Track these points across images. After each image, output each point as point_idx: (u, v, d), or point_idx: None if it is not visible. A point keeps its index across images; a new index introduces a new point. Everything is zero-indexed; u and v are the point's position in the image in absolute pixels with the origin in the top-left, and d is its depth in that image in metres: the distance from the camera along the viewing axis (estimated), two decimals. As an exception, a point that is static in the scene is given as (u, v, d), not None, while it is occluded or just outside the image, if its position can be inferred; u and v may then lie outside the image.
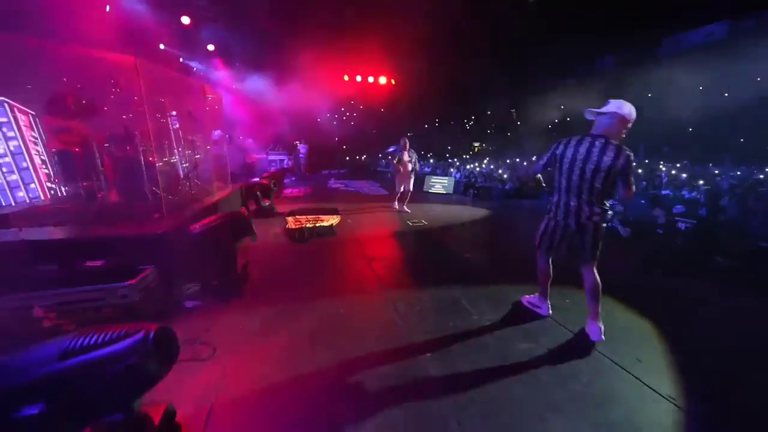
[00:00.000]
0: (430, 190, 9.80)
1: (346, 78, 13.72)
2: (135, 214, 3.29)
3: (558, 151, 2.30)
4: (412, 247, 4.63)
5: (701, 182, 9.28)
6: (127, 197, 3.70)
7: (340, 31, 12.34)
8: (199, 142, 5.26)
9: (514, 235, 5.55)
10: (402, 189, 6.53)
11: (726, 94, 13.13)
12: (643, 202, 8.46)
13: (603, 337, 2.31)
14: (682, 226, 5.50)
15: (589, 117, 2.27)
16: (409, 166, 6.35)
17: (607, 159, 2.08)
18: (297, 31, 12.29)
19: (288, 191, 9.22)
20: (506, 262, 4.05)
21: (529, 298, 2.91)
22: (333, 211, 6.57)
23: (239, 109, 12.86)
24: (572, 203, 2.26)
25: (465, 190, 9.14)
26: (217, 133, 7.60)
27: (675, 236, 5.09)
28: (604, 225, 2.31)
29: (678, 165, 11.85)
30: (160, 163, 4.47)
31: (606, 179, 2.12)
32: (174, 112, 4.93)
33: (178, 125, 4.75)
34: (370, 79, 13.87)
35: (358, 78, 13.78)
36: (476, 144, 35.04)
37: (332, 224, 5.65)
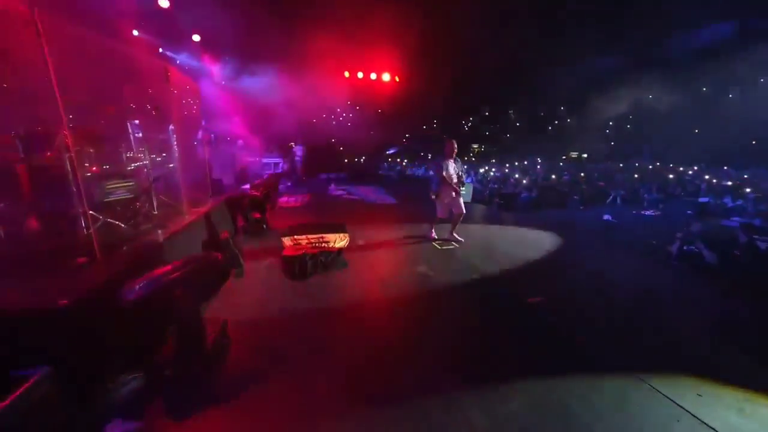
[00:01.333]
0: (444, 198, 8.71)
1: (346, 74, 12.59)
2: (44, 259, 2.10)
3: None
4: (454, 290, 3.44)
5: (748, 190, 8.35)
6: (44, 227, 2.50)
7: (340, 23, 11.20)
8: (171, 145, 4.04)
9: (580, 260, 4.38)
10: (445, 214, 4.79)
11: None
12: (689, 212, 7.54)
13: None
14: (762, 245, 4.48)
15: None
16: (455, 178, 4.61)
17: None
18: (292, 22, 11.12)
19: (284, 200, 8.02)
20: (594, 309, 2.94)
21: None
22: (339, 229, 5.39)
23: (229, 106, 11.63)
24: None
25: (489, 199, 8.08)
26: (199, 133, 6.40)
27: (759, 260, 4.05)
28: None
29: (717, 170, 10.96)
30: (111, 176, 3.27)
31: None
32: (133, 105, 3.74)
33: (137, 122, 3.55)
34: (373, 76, 12.75)
35: (360, 75, 12.67)
36: (475, 146, 34.28)
37: (340, 248, 4.49)
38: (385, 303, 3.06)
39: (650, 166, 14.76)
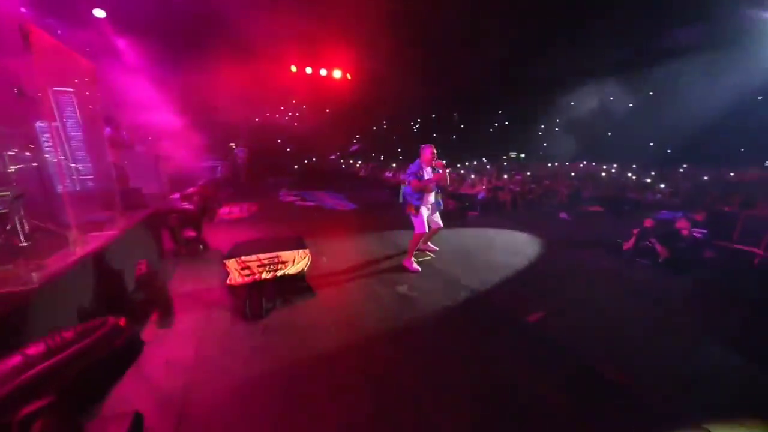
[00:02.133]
0: (407, 203, 8.35)
1: (293, 69, 11.57)
2: None
3: None
4: (446, 313, 2.96)
5: (662, 185, 9.58)
6: None
7: (287, 11, 10.19)
8: (49, 143, 2.87)
9: (558, 263, 4.25)
10: (425, 228, 3.93)
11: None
12: (626, 208, 8.33)
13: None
14: (698, 236, 4.92)
15: None
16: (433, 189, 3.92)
17: None
18: (229, 4, 9.78)
19: (225, 211, 6.86)
20: (598, 321, 2.72)
21: None
22: (297, 244, 4.62)
23: (153, 99, 9.79)
24: None
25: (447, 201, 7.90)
26: (107, 130, 5.01)
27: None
28: None
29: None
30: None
31: None
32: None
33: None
34: (323, 72, 11.93)
35: (308, 70, 11.75)
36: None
37: (302, 269, 3.76)
38: (370, 345, 2.46)
39: (581, 164, 16.44)
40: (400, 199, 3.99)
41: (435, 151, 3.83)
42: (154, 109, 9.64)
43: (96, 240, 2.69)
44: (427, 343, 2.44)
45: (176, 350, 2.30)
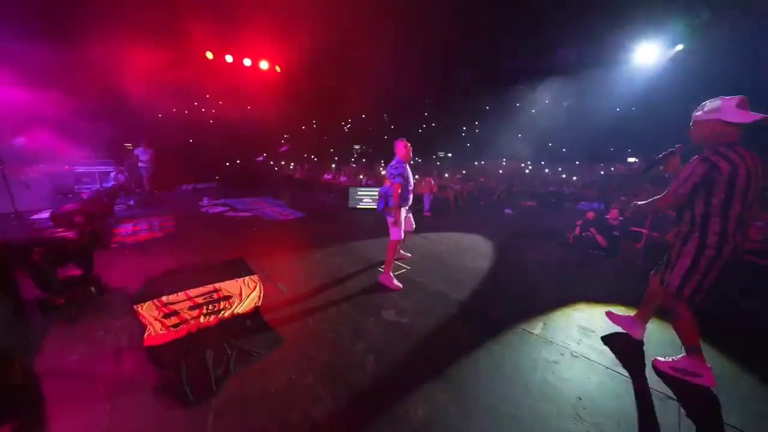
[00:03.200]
0: (357, 206, 7.77)
1: (209, 56, 9.81)
2: None
3: (726, 169, 1.71)
4: (450, 341, 2.56)
5: (575, 178, 11.07)
6: None
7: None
8: None
9: (529, 261, 4.23)
10: (402, 235, 3.47)
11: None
12: (553, 200, 9.29)
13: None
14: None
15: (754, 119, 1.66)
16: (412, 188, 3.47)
17: None
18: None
19: (127, 231, 5.23)
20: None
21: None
22: (241, 270, 3.65)
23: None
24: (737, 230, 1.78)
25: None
26: None
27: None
28: None
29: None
30: None
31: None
32: None
33: None
34: (247, 62, 10.44)
35: (229, 58, 10.13)
36: (356, 146, 34.94)
37: (254, 304, 2.89)
38: (377, 404, 1.86)
39: (503, 162, 18.21)
40: (380, 206, 3.40)
41: (408, 144, 3.40)
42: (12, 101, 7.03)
43: None
44: (445, 385, 1.96)
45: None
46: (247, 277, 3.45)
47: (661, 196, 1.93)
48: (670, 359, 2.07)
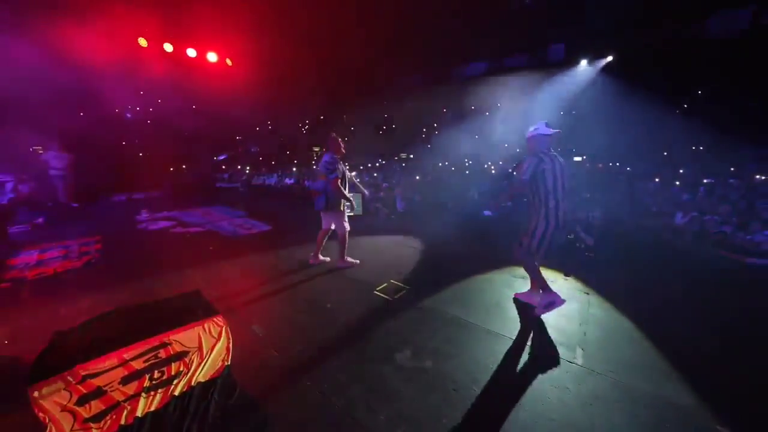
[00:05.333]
0: (330, 214, 7.02)
1: (143, 43, 8.32)
2: None
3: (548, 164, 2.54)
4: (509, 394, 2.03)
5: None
6: None
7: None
8: None
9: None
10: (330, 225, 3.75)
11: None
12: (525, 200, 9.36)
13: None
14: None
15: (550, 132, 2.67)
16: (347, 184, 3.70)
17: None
18: None
19: (30, 259, 3.93)
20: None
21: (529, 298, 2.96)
22: (198, 309, 2.77)
23: None
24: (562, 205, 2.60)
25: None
26: None
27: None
28: None
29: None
30: None
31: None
32: None
33: None
34: (191, 53, 9.10)
35: (168, 47, 8.71)
36: (316, 148, 33.68)
37: (222, 363, 2.09)
38: None
39: (468, 162, 18.50)
40: (320, 204, 3.53)
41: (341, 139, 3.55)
42: None
43: None
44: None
45: None
46: (207, 320, 2.61)
47: (514, 183, 2.76)
48: (526, 291, 3.02)
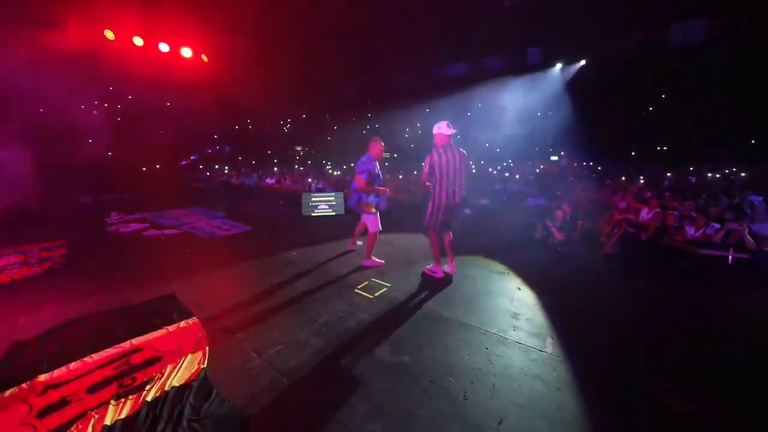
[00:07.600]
0: (312, 213, 6.94)
1: (109, 35, 7.91)
2: None
3: (436, 159, 3.18)
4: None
5: (507, 174, 11.81)
6: None
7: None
8: None
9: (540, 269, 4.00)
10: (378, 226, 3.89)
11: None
12: (505, 198, 9.67)
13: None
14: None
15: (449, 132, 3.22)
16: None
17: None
18: None
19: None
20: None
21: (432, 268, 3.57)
22: (172, 312, 2.68)
23: None
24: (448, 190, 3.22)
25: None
26: None
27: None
28: None
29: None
30: None
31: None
32: None
33: None
34: (164, 48, 8.73)
35: (138, 41, 8.32)
36: (298, 148, 33.15)
37: (198, 368, 2.05)
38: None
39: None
40: (351, 202, 3.81)
41: (382, 144, 3.69)
42: None
43: None
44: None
45: None
46: (182, 322, 2.54)
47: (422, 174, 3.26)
48: (429, 266, 3.58)
